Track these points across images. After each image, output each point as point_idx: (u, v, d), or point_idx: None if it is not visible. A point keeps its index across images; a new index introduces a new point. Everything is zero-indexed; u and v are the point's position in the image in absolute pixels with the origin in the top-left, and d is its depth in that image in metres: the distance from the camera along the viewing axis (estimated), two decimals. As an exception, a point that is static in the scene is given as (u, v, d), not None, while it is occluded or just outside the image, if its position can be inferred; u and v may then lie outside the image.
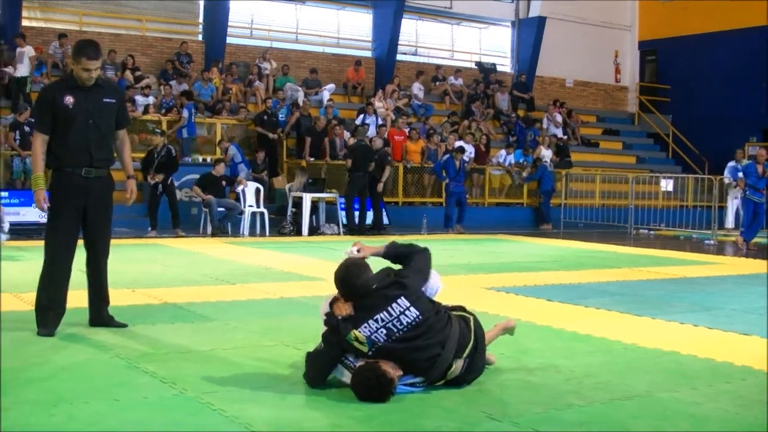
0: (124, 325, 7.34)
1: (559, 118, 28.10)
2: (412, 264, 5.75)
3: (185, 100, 21.24)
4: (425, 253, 5.86)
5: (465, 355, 5.54)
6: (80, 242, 7.25)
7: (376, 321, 5.35)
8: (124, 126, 7.55)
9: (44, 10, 23.88)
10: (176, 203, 17.53)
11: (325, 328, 5.53)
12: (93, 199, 7.17)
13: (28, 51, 20.61)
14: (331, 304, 5.62)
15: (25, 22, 22.94)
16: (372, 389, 5.19)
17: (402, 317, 5.36)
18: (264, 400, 5.21)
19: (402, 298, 5.40)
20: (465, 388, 5.53)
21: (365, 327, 5.34)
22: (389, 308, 5.37)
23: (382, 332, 5.34)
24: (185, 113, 20.89)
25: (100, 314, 7.37)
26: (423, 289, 5.69)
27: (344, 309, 5.50)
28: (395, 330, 5.34)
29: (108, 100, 7.26)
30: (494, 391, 5.57)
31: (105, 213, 7.34)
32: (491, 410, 5.11)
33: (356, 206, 19.18)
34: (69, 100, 7.04)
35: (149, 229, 17.07)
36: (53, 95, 7.12)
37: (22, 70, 20.42)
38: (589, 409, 5.22)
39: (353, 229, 18.93)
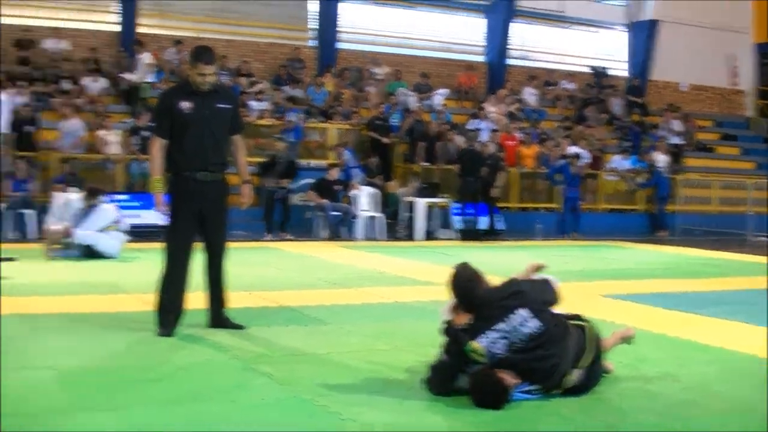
0: (242, 327, 7.44)
1: (676, 126, 27.44)
2: (537, 282, 5.78)
3: (292, 105, 21.49)
4: (548, 280, 5.87)
5: (582, 364, 5.48)
6: (199, 245, 7.38)
7: (495, 331, 5.29)
8: (239, 131, 7.65)
9: (161, 17, 24.36)
10: (289, 208, 17.79)
11: (444, 337, 5.53)
12: (209, 203, 7.29)
13: (145, 57, 21.15)
14: (452, 310, 5.61)
15: (142, 29, 23.50)
16: (487, 395, 5.17)
17: (522, 328, 5.29)
18: (380, 403, 5.23)
19: (521, 308, 5.35)
20: (583, 397, 5.46)
21: (483, 337, 5.29)
22: (508, 318, 5.31)
23: (501, 342, 5.28)
24: (291, 117, 21.11)
25: (218, 316, 7.49)
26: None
27: (463, 319, 5.48)
28: (516, 340, 5.28)
29: (223, 105, 7.37)
30: (613, 399, 5.50)
31: (220, 216, 7.45)
32: (610, 419, 5.05)
33: (469, 211, 19.09)
34: (186, 105, 7.17)
35: (265, 233, 17.30)
36: (171, 101, 7.27)
37: (140, 76, 20.93)
38: (708, 420, 5.13)
39: (468, 234, 18.86)
